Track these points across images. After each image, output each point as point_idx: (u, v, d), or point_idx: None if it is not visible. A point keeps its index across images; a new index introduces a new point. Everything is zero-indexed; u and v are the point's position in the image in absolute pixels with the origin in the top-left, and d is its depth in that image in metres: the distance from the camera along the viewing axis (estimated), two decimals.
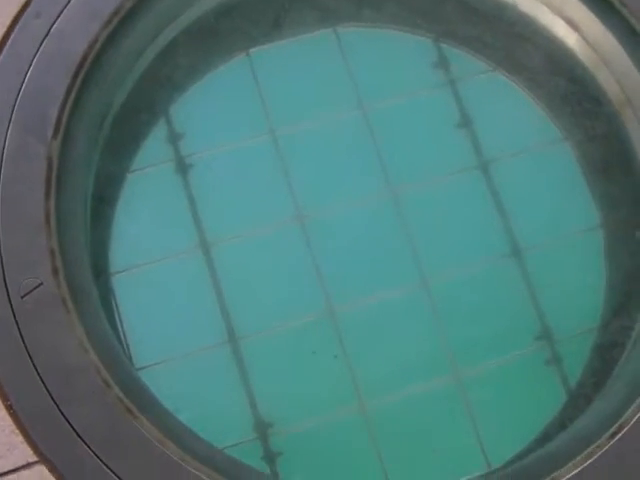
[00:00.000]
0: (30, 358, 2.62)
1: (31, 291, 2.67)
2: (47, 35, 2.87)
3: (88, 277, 2.83)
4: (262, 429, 3.06)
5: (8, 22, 2.87)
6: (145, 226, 3.25)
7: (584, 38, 3.18)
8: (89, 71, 2.92)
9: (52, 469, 2.55)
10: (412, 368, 3.15)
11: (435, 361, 3.17)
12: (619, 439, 2.71)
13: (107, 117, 3.10)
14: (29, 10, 2.90)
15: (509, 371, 3.17)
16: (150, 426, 2.69)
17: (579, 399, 3.10)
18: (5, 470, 2.50)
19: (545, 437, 3.06)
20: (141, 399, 2.80)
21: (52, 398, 2.61)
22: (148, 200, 3.28)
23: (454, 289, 3.23)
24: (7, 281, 2.70)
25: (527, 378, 3.19)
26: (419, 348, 3.17)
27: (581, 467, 2.76)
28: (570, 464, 2.77)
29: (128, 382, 2.82)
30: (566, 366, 3.19)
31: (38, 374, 2.61)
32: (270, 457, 3.04)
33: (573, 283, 3.26)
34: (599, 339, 3.18)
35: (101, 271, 3.10)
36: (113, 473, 2.58)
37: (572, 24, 3.13)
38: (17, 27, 2.88)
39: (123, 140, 3.26)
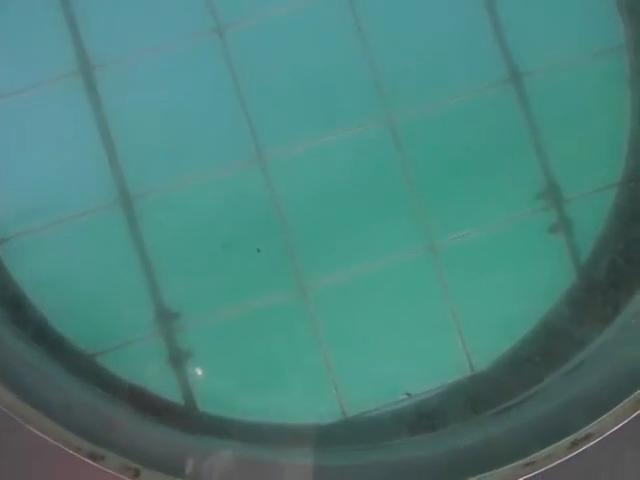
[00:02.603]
0: None
1: None
2: None
3: None
4: (166, 321, 2.05)
5: None
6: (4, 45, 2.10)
7: None
8: None
9: None
10: (372, 237, 2.10)
11: (403, 228, 2.11)
12: None
13: None
14: None
15: (499, 241, 2.10)
16: None
17: (594, 283, 2.05)
18: None
19: (546, 331, 2.04)
20: None
21: None
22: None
23: (426, 126, 2.13)
24: None
25: (524, 251, 2.11)
26: (380, 208, 2.12)
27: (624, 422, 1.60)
28: (607, 415, 1.60)
29: None
30: (577, 236, 2.12)
31: None
32: (177, 359, 2.04)
33: (588, 122, 2.16)
34: (623, 200, 2.11)
35: None
36: None
37: None
38: None
39: None
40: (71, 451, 1.56)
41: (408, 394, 2.00)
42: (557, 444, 1.60)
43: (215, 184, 2.08)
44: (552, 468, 1.60)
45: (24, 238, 2.07)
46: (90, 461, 1.56)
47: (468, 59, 2.18)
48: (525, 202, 2.14)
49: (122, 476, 1.58)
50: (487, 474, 1.59)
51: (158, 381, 2.04)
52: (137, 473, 1.59)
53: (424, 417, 1.96)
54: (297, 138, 2.10)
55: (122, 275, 2.07)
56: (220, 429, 1.96)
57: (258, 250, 2.06)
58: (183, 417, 1.99)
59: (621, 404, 1.61)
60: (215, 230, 2.07)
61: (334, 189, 2.10)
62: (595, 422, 1.60)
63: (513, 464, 1.59)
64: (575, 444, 1.59)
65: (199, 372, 2.04)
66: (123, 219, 2.07)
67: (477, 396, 1.97)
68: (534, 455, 1.59)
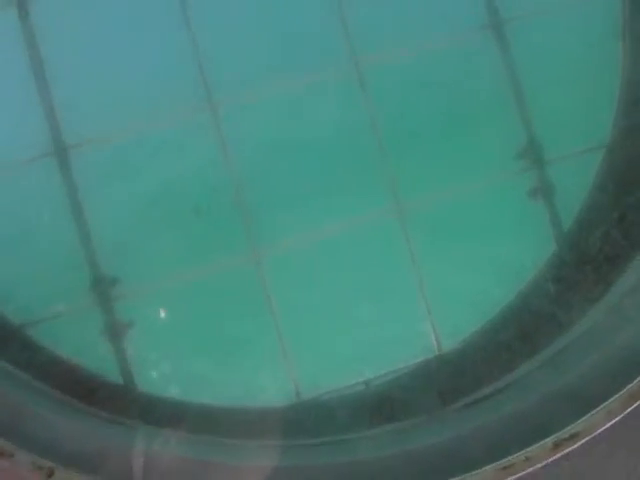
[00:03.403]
0: None
1: None
2: None
3: None
4: (103, 288, 1.73)
5: None
6: None
7: None
8: None
9: None
10: (333, 197, 1.79)
11: (368, 188, 1.80)
12: None
13: None
14: None
15: (473, 205, 1.80)
16: None
17: (585, 258, 1.73)
18: None
19: (525, 310, 1.75)
20: None
21: None
22: None
23: (397, 74, 1.82)
24: None
25: (500, 217, 1.82)
26: (343, 165, 1.80)
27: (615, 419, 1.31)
28: (596, 411, 1.32)
29: None
30: (559, 201, 1.83)
31: None
32: (114, 331, 1.72)
33: (575, 74, 1.85)
34: (613, 163, 1.79)
35: None
36: None
37: None
38: None
39: None
40: None
41: (366, 383, 1.71)
42: (538, 444, 1.31)
43: (158, 133, 1.78)
44: (532, 473, 1.31)
45: None
46: None
47: (443, 1, 1.87)
48: (503, 162, 1.88)
49: (33, 476, 1.27)
50: (457, 479, 1.30)
51: (93, 356, 1.75)
52: (51, 473, 1.28)
53: (385, 403, 1.68)
54: (253, 83, 1.80)
55: (54, 235, 1.78)
56: (161, 412, 1.67)
57: (197, 212, 1.77)
58: (120, 398, 1.69)
59: (612, 398, 1.33)
60: (156, 185, 1.77)
61: (292, 143, 1.80)
62: (582, 419, 1.32)
63: (488, 467, 1.31)
64: (558, 445, 1.30)
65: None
66: (56, 171, 1.76)
67: (445, 383, 1.69)
68: (511, 457, 1.30)
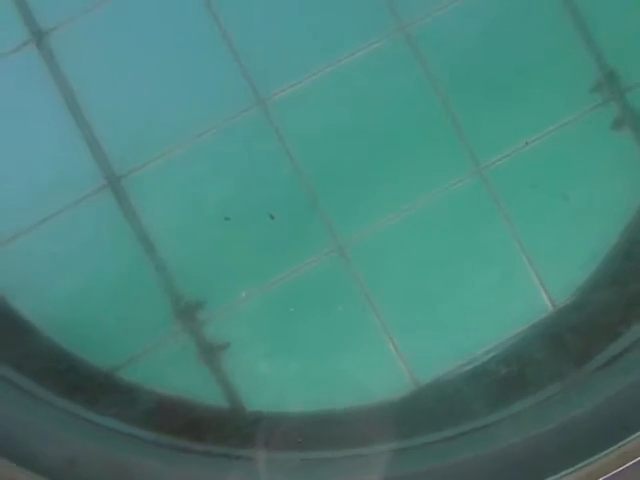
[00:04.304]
0: None
1: None
2: None
3: None
4: (189, 314, 1.64)
5: None
6: None
7: None
8: None
9: None
10: (407, 173, 1.68)
11: (441, 155, 1.69)
12: None
13: None
14: None
15: (556, 150, 1.67)
16: None
17: None
18: None
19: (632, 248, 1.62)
20: None
21: None
22: None
23: (448, 29, 1.70)
24: None
25: (587, 156, 1.68)
26: (409, 137, 1.69)
27: None
28: None
29: None
30: None
31: None
32: (211, 354, 1.64)
33: None
34: None
35: None
36: None
37: None
38: None
39: None
40: None
41: (485, 355, 1.62)
42: None
43: (211, 143, 1.67)
44: None
45: (9, 247, 1.65)
46: None
47: None
48: (578, 98, 1.73)
49: None
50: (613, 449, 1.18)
51: (193, 385, 1.66)
52: None
53: (512, 374, 1.58)
54: (300, 69, 1.68)
55: (127, 270, 1.67)
56: (274, 430, 1.58)
57: (271, 217, 1.68)
58: (229, 423, 1.60)
59: None
60: (221, 197, 1.68)
61: (353, 124, 1.69)
62: None
63: None
64: None
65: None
66: (114, 204, 1.67)
67: (568, 342, 1.57)
68: None
